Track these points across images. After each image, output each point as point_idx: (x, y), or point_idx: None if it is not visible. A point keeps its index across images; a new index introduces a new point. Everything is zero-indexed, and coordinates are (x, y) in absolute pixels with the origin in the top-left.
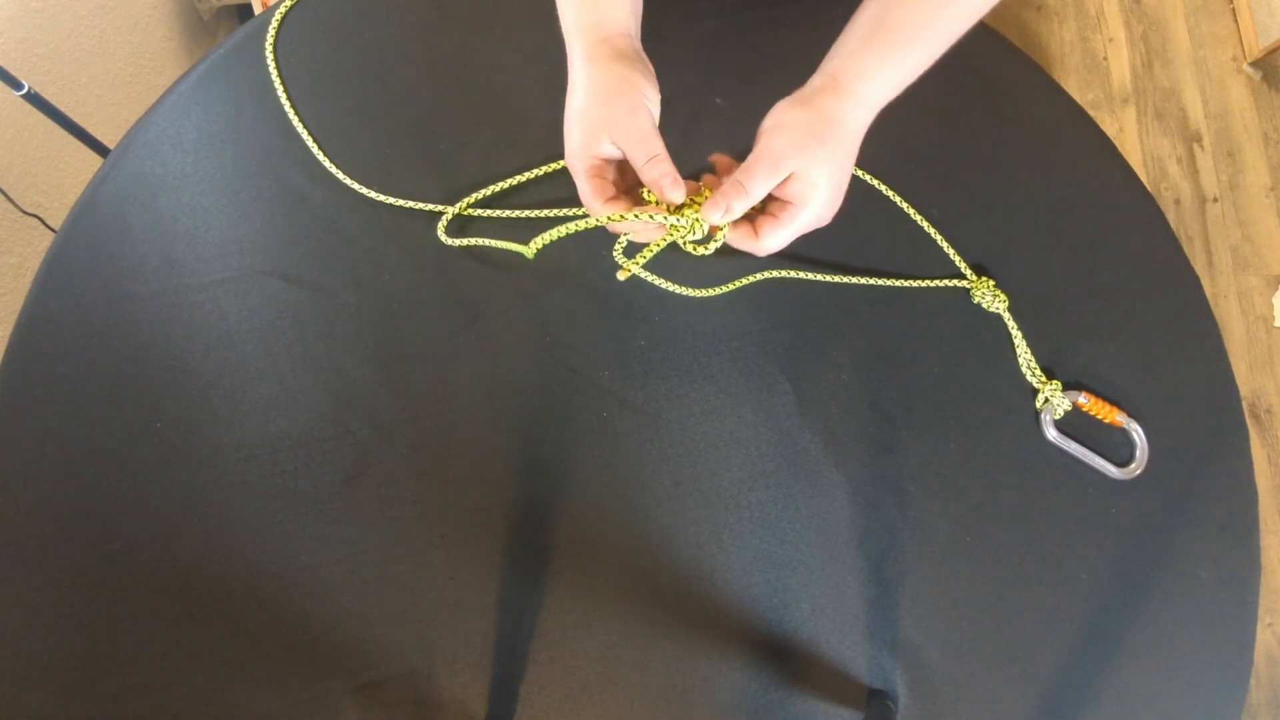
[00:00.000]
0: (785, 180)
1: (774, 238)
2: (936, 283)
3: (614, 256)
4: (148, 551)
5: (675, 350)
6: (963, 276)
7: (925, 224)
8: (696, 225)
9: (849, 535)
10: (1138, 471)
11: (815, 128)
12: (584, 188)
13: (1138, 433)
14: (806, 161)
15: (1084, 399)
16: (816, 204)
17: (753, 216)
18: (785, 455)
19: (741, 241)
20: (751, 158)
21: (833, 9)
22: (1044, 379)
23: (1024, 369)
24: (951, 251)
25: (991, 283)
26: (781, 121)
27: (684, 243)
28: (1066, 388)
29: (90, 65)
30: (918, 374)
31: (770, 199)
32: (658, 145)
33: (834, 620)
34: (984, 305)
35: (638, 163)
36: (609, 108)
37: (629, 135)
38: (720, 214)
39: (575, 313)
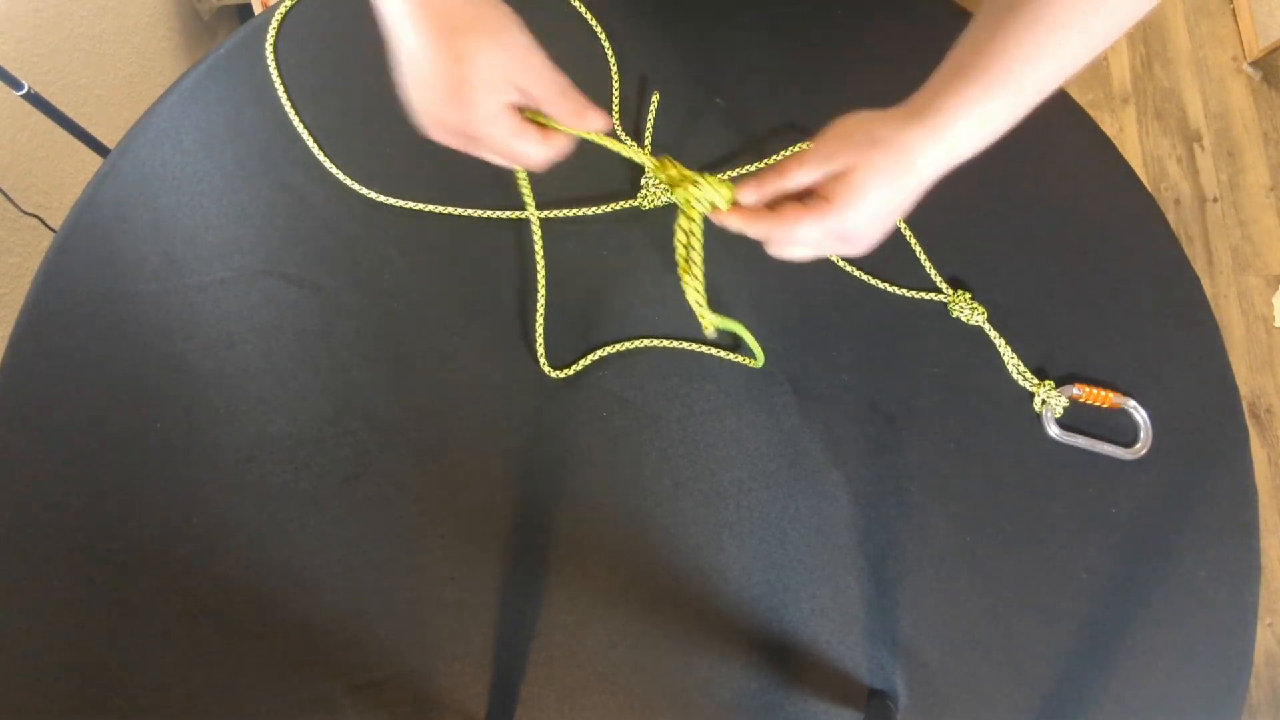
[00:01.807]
0: (841, 179)
1: (792, 227)
2: (916, 294)
3: (647, 184)
4: (148, 551)
5: (675, 350)
6: (940, 291)
7: (909, 235)
8: (720, 193)
9: (849, 535)
10: (1144, 450)
11: (882, 142)
12: (515, 145)
13: (1137, 409)
14: (860, 166)
15: (1078, 390)
16: (854, 215)
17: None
18: (785, 455)
19: (757, 226)
20: (804, 152)
21: (831, 9)
22: (1036, 382)
23: (1014, 374)
24: (929, 266)
25: (968, 295)
26: (851, 122)
27: (689, 222)
28: (1062, 385)
29: (90, 65)
30: (918, 374)
31: (807, 193)
32: (563, 77)
33: (834, 620)
34: (963, 319)
35: (549, 100)
36: (503, 44)
37: (539, 74)
38: (753, 193)
39: (579, 311)
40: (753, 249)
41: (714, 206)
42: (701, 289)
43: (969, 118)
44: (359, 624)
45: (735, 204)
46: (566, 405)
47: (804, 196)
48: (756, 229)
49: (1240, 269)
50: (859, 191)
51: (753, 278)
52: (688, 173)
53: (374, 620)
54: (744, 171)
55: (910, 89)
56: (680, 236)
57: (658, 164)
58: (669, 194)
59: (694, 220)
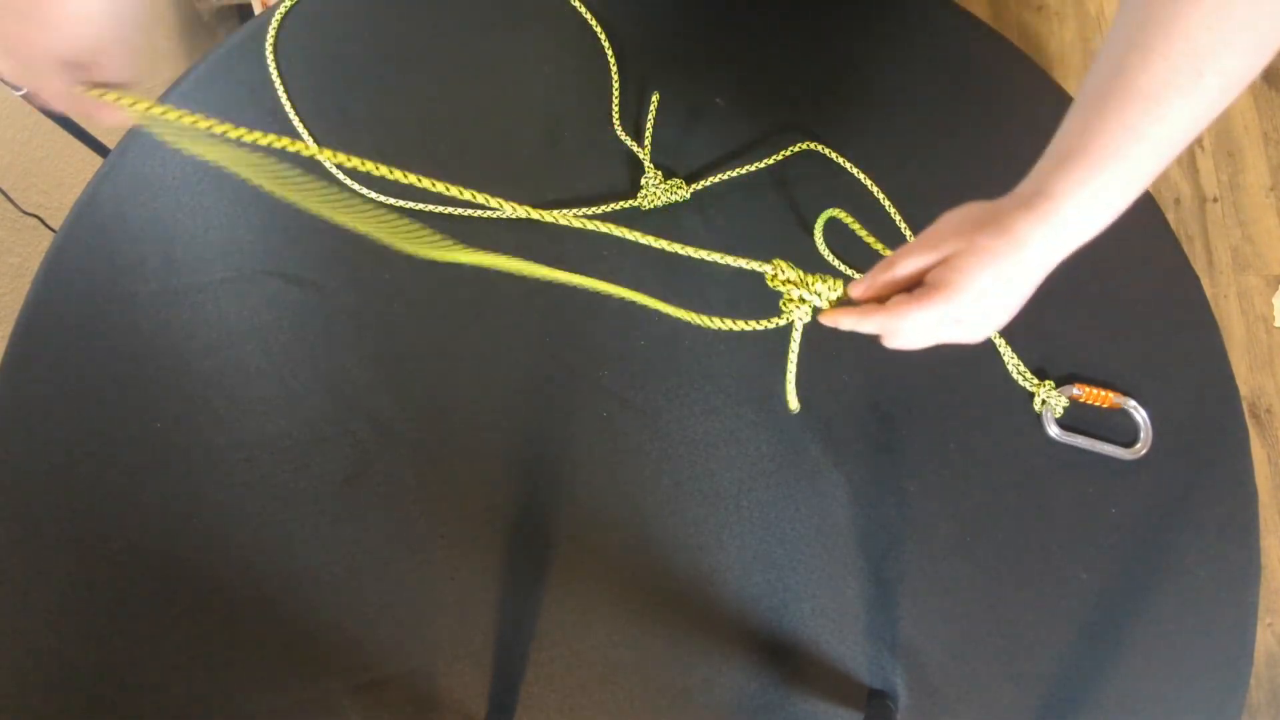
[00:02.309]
0: (938, 265)
1: (902, 318)
2: None
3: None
4: (148, 551)
5: (675, 350)
6: None
7: (910, 236)
8: (826, 290)
9: (849, 535)
10: (1144, 450)
11: (988, 225)
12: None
13: (1137, 410)
14: (966, 250)
15: (1077, 390)
16: (962, 298)
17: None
18: (785, 455)
19: (869, 321)
20: (915, 239)
21: (832, 12)
22: (1036, 382)
23: (1014, 374)
24: None
25: None
26: (958, 211)
27: (799, 306)
28: (1062, 385)
29: None
30: (917, 374)
31: (918, 284)
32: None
33: (834, 620)
34: None
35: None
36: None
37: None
38: (863, 288)
39: (575, 312)
40: (744, 255)
41: (816, 308)
42: (793, 378)
43: (1077, 197)
44: (359, 624)
45: (845, 300)
46: (567, 405)
47: (914, 287)
48: (869, 324)
49: (1240, 269)
50: (966, 274)
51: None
52: (805, 275)
53: (374, 620)
54: (747, 171)
55: (909, 87)
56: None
57: (775, 265)
58: (786, 296)
59: (795, 327)
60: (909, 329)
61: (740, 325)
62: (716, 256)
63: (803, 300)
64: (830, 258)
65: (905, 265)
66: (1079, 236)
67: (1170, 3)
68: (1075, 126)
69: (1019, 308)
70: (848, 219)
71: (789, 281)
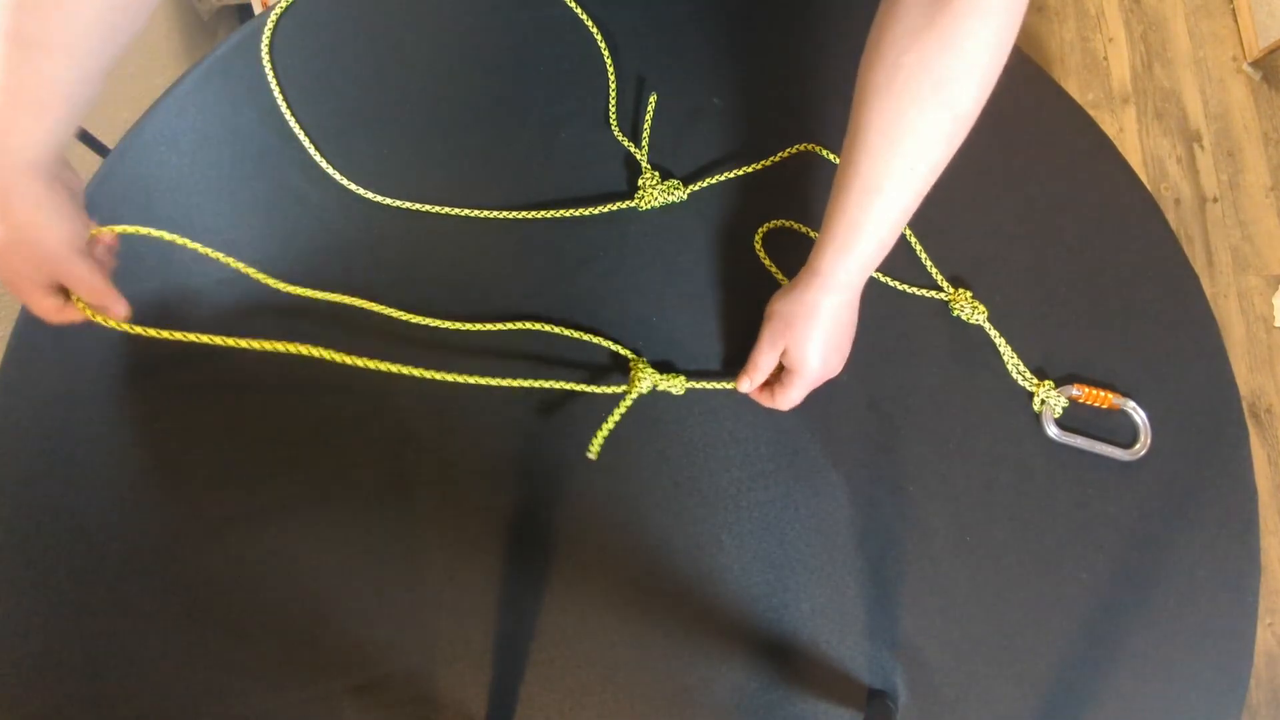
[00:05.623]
0: (785, 354)
1: (785, 399)
2: (919, 291)
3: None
4: (147, 551)
5: (674, 350)
6: (941, 289)
7: (910, 235)
8: (673, 385)
9: (849, 535)
10: (1143, 451)
11: (797, 316)
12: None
13: (1136, 410)
14: (793, 343)
15: (1077, 390)
16: (811, 370)
17: (771, 382)
18: (784, 455)
19: (766, 401)
20: (757, 343)
21: (830, 11)
22: (1036, 381)
23: (1013, 374)
24: (929, 264)
25: (969, 294)
26: (772, 312)
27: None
28: (1062, 385)
29: None
30: (917, 374)
31: (781, 367)
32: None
33: (834, 620)
34: (964, 318)
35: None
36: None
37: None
38: (746, 384)
39: (575, 313)
40: (741, 257)
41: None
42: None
43: (843, 265)
44: (359, 624)
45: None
46: (567, 404)
47: (779, 369)
48: (765, 404)
49: (1240, 269)
50: (803, 359)
51: (750, 274)
52: (654, 373)
53: (374, 620)
54: (744, 172)
55: None
56: (626, 403)
57: (634, 362)
58: (635, 377)
59: (634, 396)
60: (789, 401)
61: (580, 387)
62: (569, 385)
63: (651, 386)
64: (769, 264)
65: (765, 367)
66: (856, 284)
67: (878, 121)
68: (833, 213)
69: (852, 333)
70: (791, 224)
71: (642, 371)
